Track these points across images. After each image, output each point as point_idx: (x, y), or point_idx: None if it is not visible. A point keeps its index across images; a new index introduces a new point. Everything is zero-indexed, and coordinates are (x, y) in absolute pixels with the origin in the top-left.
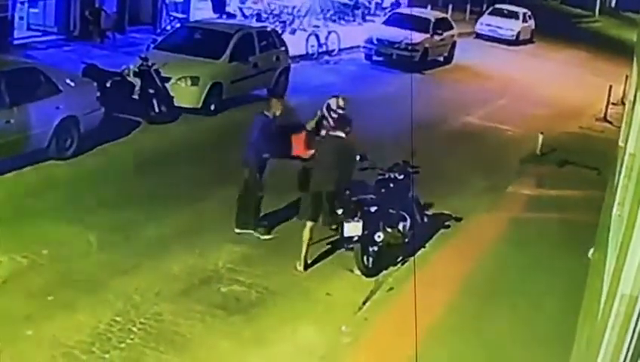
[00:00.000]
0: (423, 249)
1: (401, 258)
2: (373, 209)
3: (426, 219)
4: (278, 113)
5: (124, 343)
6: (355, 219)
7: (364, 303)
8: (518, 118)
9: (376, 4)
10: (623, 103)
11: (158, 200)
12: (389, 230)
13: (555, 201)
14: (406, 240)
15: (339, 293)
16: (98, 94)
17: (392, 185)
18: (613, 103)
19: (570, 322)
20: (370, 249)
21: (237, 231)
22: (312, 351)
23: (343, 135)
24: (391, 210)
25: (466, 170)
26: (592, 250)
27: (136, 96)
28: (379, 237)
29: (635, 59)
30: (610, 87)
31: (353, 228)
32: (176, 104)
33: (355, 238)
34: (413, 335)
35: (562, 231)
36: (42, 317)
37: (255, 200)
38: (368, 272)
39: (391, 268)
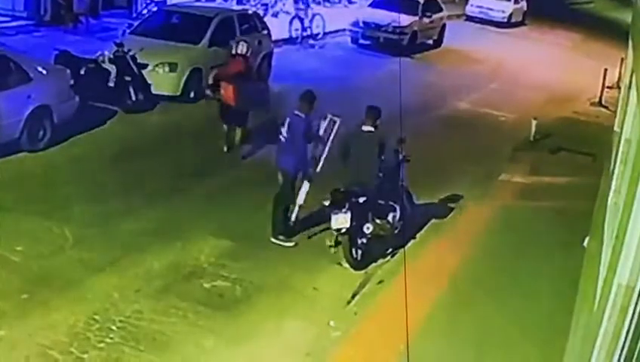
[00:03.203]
0: (413, 240)
1: (390, 250)
2: (362, 200)
3: (415, 209)
4: (311, 114)
5: (103, 342)
6: (343, 210)
7: (353, 297)
8: (511, 102)
9: None
10: (619, 87)
11: (136, 192)
12: (377, 221)
13: (549, 189)
14: (395, 231)
15: (326, 287)
16: (72, 82)
17: (381, 174)
18: (608, 87)
19: (566, 312)
20: (359, 241)
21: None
22: (299, 347)
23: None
24: (380, 201)
25: (457, 158)
26: (587, 239)
27: (111, 84)
28: (367, 228)
29: (630, 41)
30: (605, 70)
31: (341, 220)
32: (154, 91)
33: (343, 230)
34: (403, 329)
35: (556, 219)
36: (16, 317)
37: (286, 206)
38: (357, 265)
39: (380, 261)
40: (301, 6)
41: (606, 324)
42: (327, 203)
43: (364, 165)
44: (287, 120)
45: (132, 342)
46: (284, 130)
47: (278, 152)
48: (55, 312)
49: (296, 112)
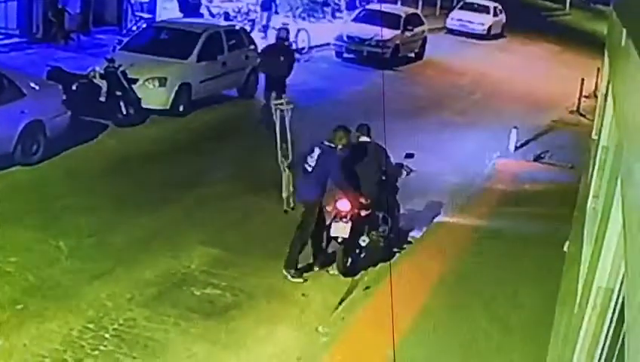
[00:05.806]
0: (402, 249)
1: (379, 259)
2: (364, 213)
3: (402, 219)
4: (340, 146)
5: (97, 350)
6: (344, 220)
7: (340, 303)
8: (491, 112)
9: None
10: (596, 96)
11: (127, 203)
12: (373, 233)
13: (530, 195)
14: (386, 242)
15: (315, 294)
16: (64, 98)
17: (380, 186)
18: (585, 96)
19: (547, 315)
20: (353, 251)
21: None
22: (289, 353)
23: None
24: (377, 213)
25: (440, 167)
26: (567, 244)
27: (103, 99)
28: (364, 241)
29: (606, 51)
30: (583, 79)
31: (341, 229)
32: (144, 106)
33: (340, 239)
34: (390, 334)
35: (537, 225)
36: (12, 327)
37: (304, 240)
38: (347, 272)
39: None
40: (287, 21)
41: (586, 325)
42: (329, 208)
43: (362, 176)
44: (317, 150)
45: (125, 349)
46: (311, 160)
47: (300, 184)
48: (50, 322)
49: (327, 143)
